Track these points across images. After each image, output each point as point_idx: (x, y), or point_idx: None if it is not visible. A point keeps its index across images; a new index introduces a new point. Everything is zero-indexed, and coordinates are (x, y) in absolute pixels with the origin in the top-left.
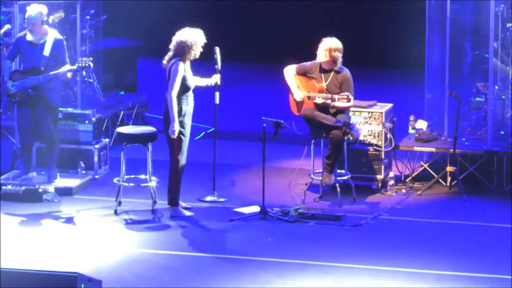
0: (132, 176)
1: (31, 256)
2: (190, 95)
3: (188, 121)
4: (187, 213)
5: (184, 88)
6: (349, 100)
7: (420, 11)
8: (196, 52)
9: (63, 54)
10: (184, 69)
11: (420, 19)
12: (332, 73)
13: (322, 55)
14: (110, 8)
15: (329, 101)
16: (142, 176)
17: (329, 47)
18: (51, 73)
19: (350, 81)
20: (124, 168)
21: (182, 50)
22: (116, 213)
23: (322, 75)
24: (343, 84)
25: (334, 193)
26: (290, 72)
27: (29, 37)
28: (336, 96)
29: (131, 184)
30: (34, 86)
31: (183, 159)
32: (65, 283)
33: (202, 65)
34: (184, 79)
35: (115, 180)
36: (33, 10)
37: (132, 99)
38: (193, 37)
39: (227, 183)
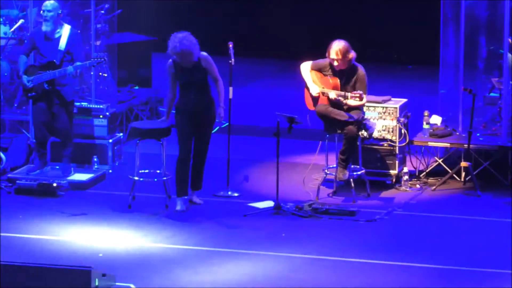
0: (147, 171)
1: (46, 250)
2: (188, 93)
3: (182, 118)
4: (178, 206)
5: (179, 86)
6: (361, 99)
7: (435, 6)
8: (181, 59)
9: (79, 48)
10: (172, 67)
11: (435, 14)
12: (347, 70)
13: (337, 61)
14: (125, 3)
15: (341, 98)
16: (157, 171)
17: (342, 52)
18: (69, 67)
19: (364, 79)
20: (138, 163)
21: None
22: (130, 207)
23: (337, 72)
24: (357, 82)
25: (348, 188)
26: (306, 67)
27: (44, 29)
28: (349, 94)
29: (145, 179)
30: (50, 81)
31: (180, 152)
32: (79, 278)
33: (216, 60)
34: (176, 77)
35: (131, 176)
36: (50, 1)
37: (147, 94)
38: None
39: (241, 178)
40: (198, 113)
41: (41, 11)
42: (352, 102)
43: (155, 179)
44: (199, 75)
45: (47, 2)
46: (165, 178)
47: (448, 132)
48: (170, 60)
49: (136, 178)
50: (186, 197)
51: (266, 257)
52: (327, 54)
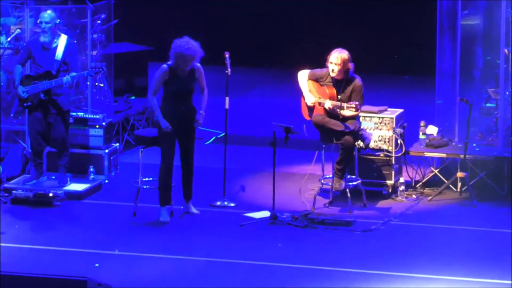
0: (146, 179)
1: (41, 260)
2: (177, 101)
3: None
4: (162, 218)
5: (166, 93)
6: (357, 110)
7: (431, 16)
8: (183, 64)
9: (75, 58)
10: (166, 73)
11: (432, 24)
12: (344, 80)
13: (336, 71)
14: (121, 13)
15: (337, 109)
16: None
17: (342, 59)
18: (65, 77)
19: (360, 90)
20: (141, 171)
21: (173, 58)
22: (135, 215)
23: (334, 82)
24: (353, 92)
25: (344, 198)
26: (303, 76)
27: (42, 40)
28: (345, 105)
29: (150, 187)
30: (46, 90)
31: (163, 160)
32: None
33: (213, 70)
34: (167, 84)
35: (135, 184)
36: (47, 11)
37: (143, 103)
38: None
39: (238, 188)
40: (185, 122)
41: (38, 21)
42: (347, 112)
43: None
44: (191, 85)
45: (44, 13)
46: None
47: (445, 142)
48: (166, 66)
49: (144, 186)
50: (169, 206)
51: (262, 267)
52: (327, 63)
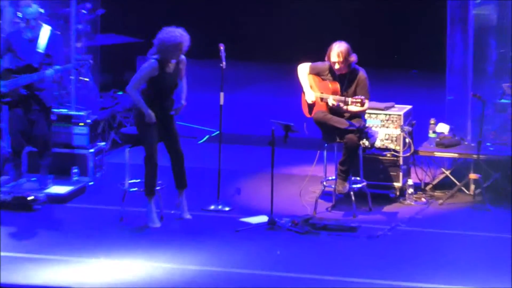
0: (133, 181)
1: (20, 269)
2: (163, 97)
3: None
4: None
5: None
6: (363, 105)
7: (442, 7)
8: (174, 54)
9: (59, 51)
10: (156, 69)
11: (441, 16)
12: (347, 74)
13: (338, 64)
14: (108, 2)
15: (341, 104)
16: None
17: (343, 54)
18: (47, 71)
19: (365, 83)
20: (128, 172)
21: (161, 50)
22: (121, 220)
23: (337, 76)
24: (358, 86)
25: (348, 202)
26: (303, 70)
27: (24, 33)
28: (349, 99)
29: (137, 189)
30: (27, 85)
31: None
32: None
33: (206, 64)
34: (151, 80)
35: (121, 186)
36: (29, 3)
37: (131, 100)
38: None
39: (233, 190)
40: (168, 115)
41: (20, 15)
42: (353, 108)
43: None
44: (177, 79)
45: (29, 9)
46: (158, 187)
47: (456, 141)
48: (154, 60)
49: (132, 189)
50: (159, 211)
51: (259, 277)
52: (326, 58)
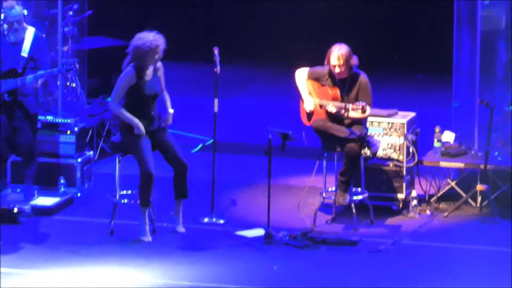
0: (124, 192)
1: (6, 285)
2: (147, 107)
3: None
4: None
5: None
6: (364, 111)
7: (448, 6)
8: (152, 58)
9: (44, 54)
10: (134, 76)
11: (447, 16)
12: (348, 78)
13: (338, 67)
14: (96, 3)
15: (342, 111)
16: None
17: (344, 57)
18: (28, 77)
19: (367, 87)
20: (118, 183)
21: (137, 56)
22: (112, 233)
23: (337, 81)
24: (359, 90)
25: (349, 214)
26: (301, 75)
27: (7, 36)
28: (350, 106)
29: (128, 201)
30: (11, 91)
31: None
32: None
33: (199, 68)
34: (130, 89)
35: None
36: (13, 4)
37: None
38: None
39: (228, 202)
40: (158, 128)
41: (2, 16)
42: (354, 114)
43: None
44: (158, 86)
45: (12, 11)
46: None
47: (463, 150)
48: (131, 68)
49: (122, 201)
50: (150, 224)
51: None
52: (326, 61)
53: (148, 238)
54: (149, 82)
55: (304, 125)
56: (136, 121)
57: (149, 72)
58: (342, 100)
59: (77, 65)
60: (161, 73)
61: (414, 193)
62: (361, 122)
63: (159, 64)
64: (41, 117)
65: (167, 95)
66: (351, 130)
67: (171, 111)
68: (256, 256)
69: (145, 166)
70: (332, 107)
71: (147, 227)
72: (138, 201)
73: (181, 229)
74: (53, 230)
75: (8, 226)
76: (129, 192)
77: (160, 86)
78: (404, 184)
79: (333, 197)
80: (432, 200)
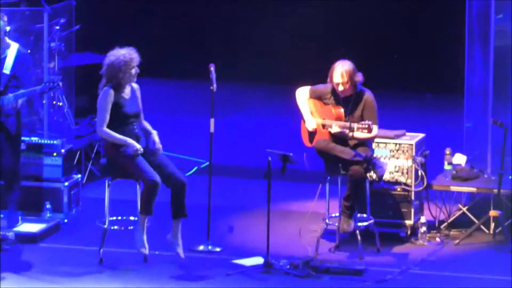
0: (114, 218)
1: None
2: (130, 127)
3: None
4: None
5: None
6: (370, 131)
7: (459, 22)
8: (128, 73)
9: (28, 72)
10: (112, 95)
11: (459, 32)
12: (352, 96)
13: (342, 85)
14: (84, 18)
15: (346, 131)
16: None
17: (348, 74)
18: (7, 96)
19: (373, 105)
20: (107, 208)
21: (112, 74)
22: (101, 261)
23: (341, 99)
24: (364, 109)
25: (353, 242)
26: (303, 94)
27: None
28: (355, 125)
29: (118, 228)
30: None
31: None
32: None
33: (196, 86)
34: (113, 108)
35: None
36: None
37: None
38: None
39: (225, 229)
40: (145, 148)
41: None
42: (359, 134)
43: (130, 227)
44: (138, 105)
45: None
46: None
47: (475, 174)
48: (108, 87)
49: (112, 227)
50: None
51: None
52: (329, 79)
53: (145, 250)
54: (128, 100)
55: (305, 147)
56: (130, 140)
57: (128, 91)
58: (346, 120)
59: (60, 83)
60: (139, 93)
61: (423, 219)
62: (367, 143)
63: (136, 85)
64: (25, 138)
65: (145, 121)
66: (356, 151)
67: (153, 132)
68: (255, 286)
69: (148, 175)
70: (335, 127)
71: (145, 237)
72: (138, 210)
73: (181, 252)
74: (38, 258)
75: None
76: (119, 218)
77: (139, 105)
78: (412, 210)
79: (336, 224)
80: (442, 226)
